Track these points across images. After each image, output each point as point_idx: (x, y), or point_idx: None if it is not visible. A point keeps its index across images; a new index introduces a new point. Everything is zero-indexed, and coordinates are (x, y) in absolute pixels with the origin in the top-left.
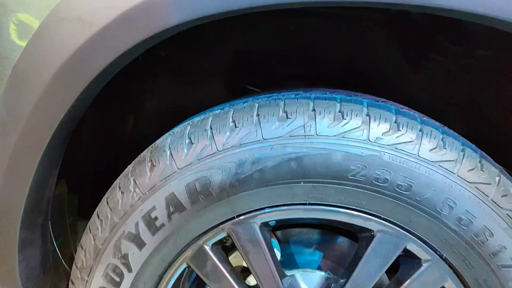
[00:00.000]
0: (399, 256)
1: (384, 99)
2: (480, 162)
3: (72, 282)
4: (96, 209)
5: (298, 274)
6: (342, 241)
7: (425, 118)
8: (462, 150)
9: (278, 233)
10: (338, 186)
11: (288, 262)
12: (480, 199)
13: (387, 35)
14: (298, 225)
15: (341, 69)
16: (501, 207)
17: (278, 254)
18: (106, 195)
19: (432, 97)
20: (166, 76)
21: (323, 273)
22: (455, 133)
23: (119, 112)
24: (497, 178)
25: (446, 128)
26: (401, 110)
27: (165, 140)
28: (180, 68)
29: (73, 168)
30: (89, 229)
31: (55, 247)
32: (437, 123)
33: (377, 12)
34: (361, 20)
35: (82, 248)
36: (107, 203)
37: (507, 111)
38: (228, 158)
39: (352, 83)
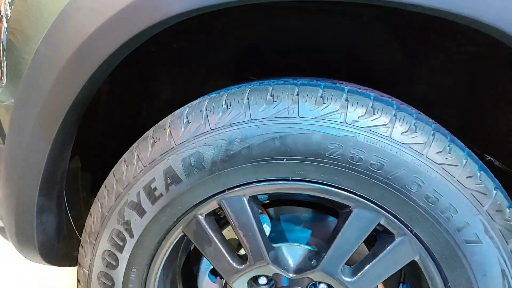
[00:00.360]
0: (376, 231)
1: (382, 93)
2: (449, 145)
3: (82, 246)
4: (105, 181)
5: (284, 247)
6: (329, 220)
7: (403, 105)
8: (432, 134)
9: (271, 210)
10: (317, 163)
11: (278, 238)
12: (446, 179)
13: (385, 30)
14: (289, 203)
15: (343, 62)
16: (466, 187)
17: (268, 229)
18: (113, 168)
19: (428, 89)
20: (177, 67)
21: (307, 247)
22: (430, 120)
23: (133, 98)
24: (464, 161)
25: (423, 115)
26: (379, 97)
27: (166, 120)
28: (191, 60)
29: (88, 147)
30: (98, 199)
31: (69, 218)
32: (413, 110)
33: (372, 8)
34: (360, 16)
35: (91, 216)
36: (114, 175)
37: (498, 105)
38: (219, 136)
39: (355, 76)
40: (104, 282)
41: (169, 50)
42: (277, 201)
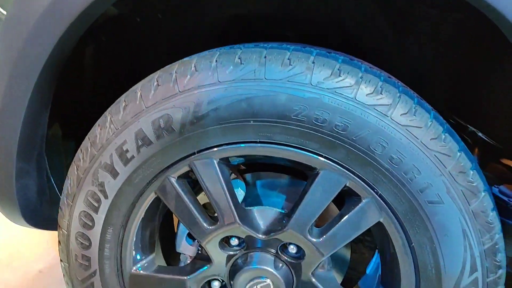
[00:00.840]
0: (345, 194)
1: (372, 65)
2: (414, 108)
3: (61, 208)
4: (81, 145)
5: (255, 209)
6: (303, 185)
7: (374, 69)
8: (398, 97)
9: (248, 176)
10: (283, 125)
11: (253, 202)
12: (410, 140)
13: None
14: (265, 169)
15: (333, 33)
16: (429, 149)
17: (242, 194)
18: (88, 133)
19: (417, 62)
20: (164, 38)
21: (278, 210)
22: (399, 83)
23: (119, 69)
24: (429, 123)
25: (393, 78)
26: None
27: (138, 84)
28: (177, 30)
29: (73, 115)
30: (74, 162)
31: (52, 183)
32: (382, 73)
33: None
34: None
35: (68, 178)
36: (89, 138)
37: (487, 78)
38: (187, 98)
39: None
40: (81, 242)
41: (154, 20)
42: (254, 166)
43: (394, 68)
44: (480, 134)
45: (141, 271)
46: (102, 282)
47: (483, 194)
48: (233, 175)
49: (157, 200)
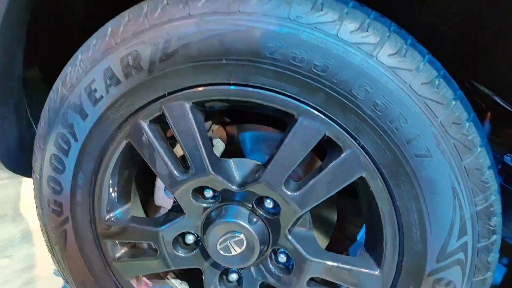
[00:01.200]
0: (326, 145)
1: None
2: (405, 48)
3: (34, 152)
4: (53, 86)
5: (232, 160)
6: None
7: (362, 6)
8: (388, 36)
9: (231, 128)
10: (258, 64)
11: (234, 154)
12: (397, 84)
13: None
14: (249, 121)
15: None
16: (419, 95)
17: (222, 145)
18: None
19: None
20: None
21: (255, 162)
22: (392, 23)
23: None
24: (420, 66)
25: (385, 18)
26: None
27: (110, 21)
28: None
29: (58, 62)
30: (46, 103)
31: (35, 130)
32: (374, 12)
33: None
34: None
35: (41, 120)
36: (60, 78)
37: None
38: (157, 33)
39: None
40: (53, 187)
41: None
42: (238, 119)
43: (403, 22)
44: (495, 97)
45: (114, 220)
46: (75, 229)
47: (479, 149)
48: (214, 126)
49: (131, 147)
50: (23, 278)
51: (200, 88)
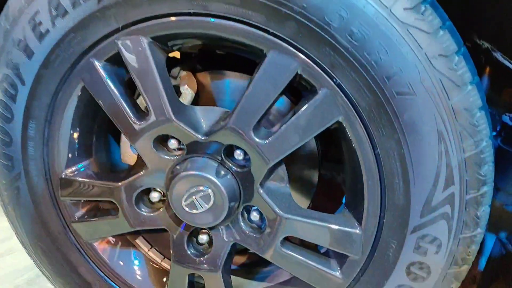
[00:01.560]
0: (301, 89)
1: None
2: None
3: None
4: None
5: (198, 108)
6: None
7: None
8: None
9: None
10: None
11: (203, 102)
12: (377, 9)
13: None
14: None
15: None
16: (402, 22)
17: (191, 93)
18: None
19: None
20: None
21: (224, 109)
22: None
23: None
24: None
25: None
26: None
27: None
28: None
29: None
30: None
31: None
32: None
33: None
34: None
35: None
36: (3, 12)
37: None
38: None
39: None
40: (2, 138)
41: None
42: (210, 66)
43: None
44: (497, 53)
45: (72, 176)
46: (29, 186)
47: (469, 87)
48: (182, 73)
49: (88, 93)
50: (26, 275)
51: (158, 20)
